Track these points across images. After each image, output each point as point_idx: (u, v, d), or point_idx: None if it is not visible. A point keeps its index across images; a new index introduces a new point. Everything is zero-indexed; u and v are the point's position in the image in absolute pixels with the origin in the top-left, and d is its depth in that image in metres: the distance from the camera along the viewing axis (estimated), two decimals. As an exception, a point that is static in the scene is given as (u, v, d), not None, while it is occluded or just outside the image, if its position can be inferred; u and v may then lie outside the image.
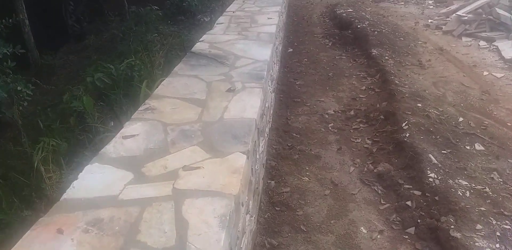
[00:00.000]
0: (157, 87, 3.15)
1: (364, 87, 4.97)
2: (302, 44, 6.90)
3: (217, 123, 2.36)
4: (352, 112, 4.31)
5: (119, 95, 5.69)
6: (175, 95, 2.82)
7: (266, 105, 3.41)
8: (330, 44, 6.80)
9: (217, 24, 4.95)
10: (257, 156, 2.64)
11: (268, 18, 5.12)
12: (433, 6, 8.85)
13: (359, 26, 6.82)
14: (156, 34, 8.85)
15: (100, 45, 9.62)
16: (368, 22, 6.99)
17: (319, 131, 3.95)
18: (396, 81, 4.76)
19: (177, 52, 7.65)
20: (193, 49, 3.93)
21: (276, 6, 5.81)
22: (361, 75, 5.38)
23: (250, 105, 2.64)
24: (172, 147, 2.08)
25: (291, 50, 6.56)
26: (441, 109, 4.14)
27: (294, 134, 3.87)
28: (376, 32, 6.50)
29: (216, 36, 4.37)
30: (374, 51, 5.84)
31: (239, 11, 5.65)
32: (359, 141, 3.75)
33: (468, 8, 7.03)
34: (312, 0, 10.52)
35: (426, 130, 3.58)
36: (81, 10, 12.03)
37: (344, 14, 7.77)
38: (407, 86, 4.68)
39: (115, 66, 6.72)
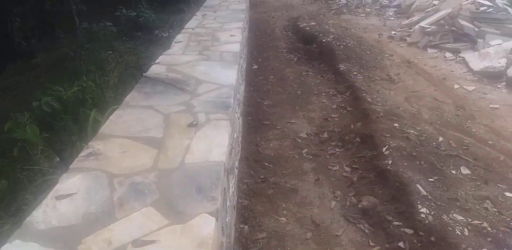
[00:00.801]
0: (107, 117, 2.71)
1: (335, 106, 4.70)
2: (267, 60, 6.61)
3: (177, 171, 1.95)
4: (325, 135, 4.00)
5: (69, 121, 5.13)
6: (126, 133, 2.38)
7: (235, 136, 3.03)
8: (295, 60, 6.54)
9: (175, 42, 4.54)
10: (227, 204, 2.24)
11: (231, 36, 4.77)
12: (394, 18, 8.87)
13: (324, 40, 6.62)
14: (110, 52, 8.32)
15: (50, 64, 8.93)
16: (332, 36, 6.80)
17: (293, 158, 3.60)
18: (368, 99, 4.52)
19: (132, 71, 7.17)
20: (148, 73, 3.50)
21: (238, 22, 5.48)
22: (331, 93, 5.12)
23: (217, 143, 2.25)
24: (120, 210, 1.64)
25: (256, 66, 6.25)
26: (419, 128, 3.91)
27: (266, 163, 3.50)
28: (342, 46, 6.31)
29: (174, 57, 3.97)
30: (342, 66, 5.63)
31: (199, 27, 5.27)
32: (337, 168, 3.43)
33: (430, 20, 7.01)
34: (273, 14, 10.34)
35: (408, 154, 3.32)
36: (29, 26, 11.24)
37: (308, 28, 7.57)
38: (380, 103, 4.45)
39: (65, 88, 6.17)
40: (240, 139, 3.76)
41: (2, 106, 6.93)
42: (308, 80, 5.62)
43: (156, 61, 3.84)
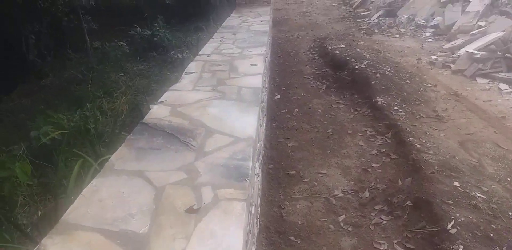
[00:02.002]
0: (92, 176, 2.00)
1: (375, 151, 3.90)
2: (290, 88, 5.87)
3: None
4: (367, 194, 3.19)
5: (62, 162, 4.47)
6: (98, 222, 1.67)
7: (252, 211, 2.27)
8: (323, 88, 5.78)
9: (185, 73, 3.86)
10: None
11: (252, 65, 4.07)
12: (432, 39, 8.04)
13: (357, 66, 5.85)
14: (122, 74, 7.77)
15: (58, 86, 8.42)
16: (367, 61, 6.03)
17: (327, 230, 2.80)
18: (417, 145, 3.70)
19: (143, 97, 6.55)
20: (148, 117, 2.80)
21: (260, 47, 4.79)
22: (368, 132, 4.32)
23: (225, 247, 1.51)
24: None
25: (278, 96, 5.51)
26: (485, 189, 3.07)
27: (293, 238, 2.71)
28: (378, 75, 5.53)
29: (182, 93, 3.27)
30: (380, 100, 4.83)
31: (215, 54, 4.60)
32: (385, 248, 2.62)
33: (478, 44, 6.17)
34: (298, 33, 9.65)
35: (483, 235, 2.48)
36: (44, 43, 10.86)
37: (337, 52, 6.83)
38: (431, 151, 3.62)
39: (67, 116, 5.59)
40: (259, 201, 3.00)
41: (1, 133, 6.38)
42: (339, 115, 4.84)
43: (160, 99, 3.15)
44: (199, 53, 4.66)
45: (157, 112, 2.88)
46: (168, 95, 3.23)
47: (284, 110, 5.02)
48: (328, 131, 4.40)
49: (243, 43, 5.10)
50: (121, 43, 8.21)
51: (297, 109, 5.03)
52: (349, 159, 3.79)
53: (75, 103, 6.52)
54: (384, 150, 3.89)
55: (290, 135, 4.33)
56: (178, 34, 9.81)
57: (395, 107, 4.66)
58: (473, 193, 2.95)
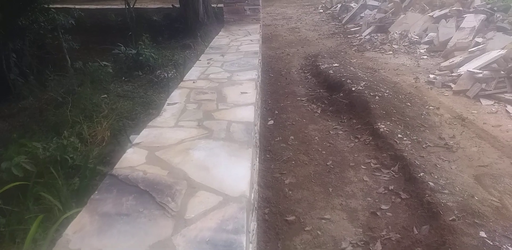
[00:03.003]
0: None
1: (382, 189, 3.48)
2: (284, 111, 5.46)
3: None
4: (379, 246, 2.76)
5: (30, 203, 3.99)
6: None
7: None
8: (319, 112, 5.39)
9: (168, 104, 3.42)
10: None
11: (242, 93, 3.66)
12: (428, 56, 7.76)
13: (353, 88, 5.48)
14: (105, 95, 7.31)
15: (37, 109, 7.90)
16: (363, 82, 5.66)
17: (336, 297, 2.36)
18: (430, 183, 3.30)
19: (126, 121, 6.10)
20: (119, 165, 2.34)
21: (251, 71, 4.39)
22: (372, 165, 3.92)
23: None
24: None
25: (271, 122, 5.09)
26: (515, 238, 2.67)
27: None
28: (377, 98, 5.16)
29: (163, 131, 2.82)
30: (382, 126, 4.44)
31: (202, 79, 4.18)
32: None
33: (479, 63, 5.87)
34: (288, 50, 9.32)
35: None
36: (27, 61, 10.33)
37: (331, 72, 6.46)
38: (446, 190, 3.22)
39: (43, 145, 5.10)
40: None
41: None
42: (338, 144, 4.43)
43: (136, 140, 2.70)
44: (184, 79, 4.23)
45: (131, 158, 2.42)
46: (146, 134, 2.78)
47: (278, 138, 4.59)
48: (328, 163, 3.98)
49: (232, 66, 4.70)
50: (104, 63, 7.75)
51: (293, 137, 4.61)
52: (354, 199, 3.36)
53: (53, 129, 6.05)
54: (392, 187, 3.48)
55: (286, 169, 3.89)
56: (165, 52, 9.42)
57: (399, 135, 4.28)
58: (504, 246, 2.54)
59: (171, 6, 12.71)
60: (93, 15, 13.20)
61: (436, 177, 3.46)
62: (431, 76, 6.46)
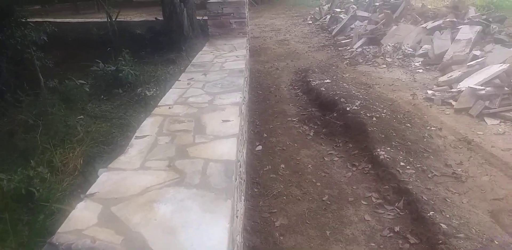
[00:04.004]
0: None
1: (387, 231, 3.02)
2: (273, 134, 5.01)
3: None
4: None
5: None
6: None
7: None
8: (311, 134, 4.94)
9: (136, 138, 2.94)
10: None
11: (224, 121, 3.20)
12: (423, 70, 7.40)
13: (348, 108, 5.05)
14: (81, 116, 6.80)
15: (10, 131, 7.34)
16: (358, 101, 5.24)
17: None
18: (442, 225, 2.85)
19: (101, 147, 5.60)
20: (63, 228, 1.85)
21: (236, 93, 3.94)
22: (373, 199, 3.46)
23: None
24: None
25: (260, 147, 4.63)
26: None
27: None
28: (374, 119, 4.73)
29: (126, 176, 2.34)
30: (382, 153, 4.01)
31: (180, 104, 3.71)
32: None
33: (480, 78, 5.51)
34: (277, 64, 8.91)
35: None
36: (4, 78, 9.74)
37: (323, 89, 6.04)
38: (461, 233, 2.78)
39: (7, 177, 4.60)
40: None
41: None
42: (334, 173, 3.98)
43: (91, 188, 2.21)
44: (159, 104, 3.76)
45: (81, 217, 1.94)
46: (104, 180, 2.30)
47: (267, 168, 4.12)
48: (324, 198, 3.52)
49: (215, 87, 4.25)
50: (80, 81, 7.24)
51: (283, 166, 4.15)
52: (356, 245, 2.89)
53: (21, 156, 5.54)
54: (398, 229, 3.02)
55: (277, 206, 3.42)
56: (147, 68, 8.95)
57: (401, 163, 3.84)
58: None
59: (154, 19, 12.27)
60: (75, 28, 12.74)
61: (448, 215, 3.01)
62: (429, 92, 6.08)
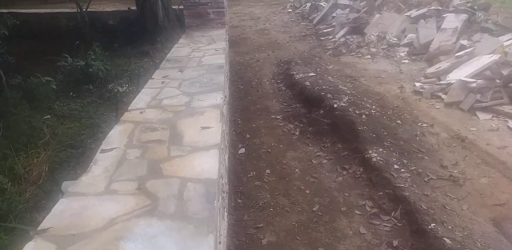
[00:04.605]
0: None
1: (385, 246, 2.76)
2: (257, 134, 4.68)
3: None
4: None
5: None
6: None
7: None
8: (297, 134, 4.64)
9: (101, 152, 2.55)
10: None
11: (203, 128, 2.85)
12: (409, 60, 7.16)
13: (335, 105, 4.75)
14: (48, 116, 6.31)
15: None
16: (346, 97, 4.95)
17: None
18: (446, 239, 2.60)
19: (68, 151, 5.17)
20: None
21: (216, 93, 3.58)
22: (368, 208, 3.20)
23: None
24: None
25: (242, 150, 4.30)
26: None
27: None
28: (363, 116, 4.45)
29: (86, 203, 1.97)
30: (373, 155, 3.74)
31: (153, 107, 3.33)
32: None
33: (470, 70, 5.28)
34: (258, 55, 8.53)
35: None
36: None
37: (308, 83, 5.72)
38: (467, 248, 2.54)
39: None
40: None
41: None
42: (324, 178, 3.69)
43: (42, 225, 1.84)
44: (129, 108, 3.36)
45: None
46: (60, 210, 1.93)
47: (252, 174, 3.81)
48: (314, 208, 3.23)
49: (192, 86, 3.87)
50: (47, 78, 6.71)
51: (269, 171, 3.84)
52: (352, 264, 2.63)
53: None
54: (396, 243, 2.77)
55: (263, 220, 3.11)
56: (119, 61, 8.43)
57: (395, 166, 3.58)
58: None
59: (127, 9, 11.63)
60: (43, 20, 11.97)
61: (450, 227, 2.77)
62: (417, 84, 5.84)
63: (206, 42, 6.21)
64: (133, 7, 10.79)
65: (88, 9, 10.99)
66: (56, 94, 6.91)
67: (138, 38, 9.69)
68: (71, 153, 5.00)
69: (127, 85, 6.88)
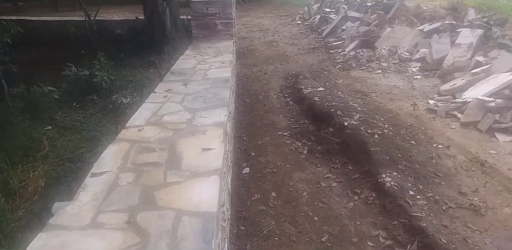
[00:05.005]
0: None
1: (401, 286, 2.50)
2: (262, 152, 4.45)
3: None
4: None
5: None
6: None
7: None
8: (305, 152, 4.41)
9: (91, 175, 2.34)
10: None
11: (204, 149, 2.63)
12: (421, 76, 6.93)
13: (346, 123, 4.52)
14: (49, 127, 6.15)
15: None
16: (358, 115, 4.71)
17: None
18: (471, 281, 2.34)
19: (66, 166, 4.97)
20: None
21: (220, 109, 3.39)
22: (381, 239, 2.94)
23: None
24: None
25: (247, 169, 4.07)
26: None
27: None
28: (376, 136, 4.21)
29: (68, 240, 1.76)
30: (388, 179, 3.49)
31: (152, 124, 3.12)
32: None
33: (488, 88, 5.03)
34: (266, 68, 8.35)
35: None
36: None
37: (317, 98, 5.50)
38: (494, 292, 2.27)
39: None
40: None
41: None
42: (333, 203, 3.44)
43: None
44: (127, 125, 3.16)
45: None
46: (37, 247, 1.71)
47: (256, 197, 3.57)
48: (323, 238, 2.98)
49: (196, 101, 3.67)
50: (49, 88, 6.56)
51: (274, 194, 3.60)
52: None
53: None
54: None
55: (267, 250, 2.87)
56: (125, 71, 8.29)
57: (410, 192, 3.33)
58: None
59: (135, 18, 11.57)
60: (52, 28, 11.95)
61: (473, 265, 2.50)
62: (431, 102, 5.60)
63: (212, 54, 6.05)
64: (141, 17, 10.72)
65: (97, 18, 10.95)
66: (59, 104, 6.76)
67: (145, 48, 9.57)
68: (69, 168, 4.81)
69: (131, 96, 6.72)
